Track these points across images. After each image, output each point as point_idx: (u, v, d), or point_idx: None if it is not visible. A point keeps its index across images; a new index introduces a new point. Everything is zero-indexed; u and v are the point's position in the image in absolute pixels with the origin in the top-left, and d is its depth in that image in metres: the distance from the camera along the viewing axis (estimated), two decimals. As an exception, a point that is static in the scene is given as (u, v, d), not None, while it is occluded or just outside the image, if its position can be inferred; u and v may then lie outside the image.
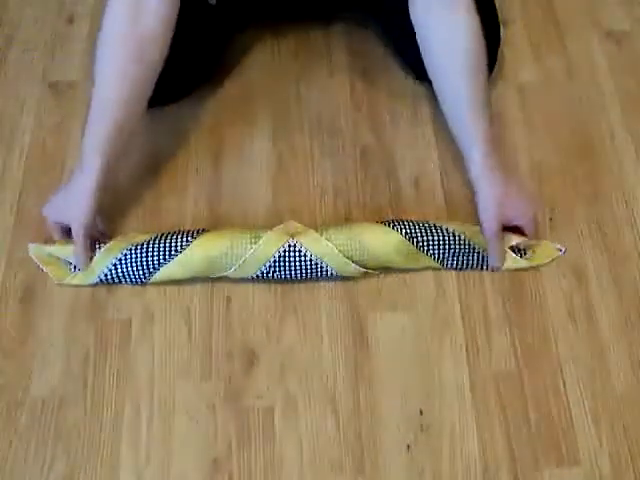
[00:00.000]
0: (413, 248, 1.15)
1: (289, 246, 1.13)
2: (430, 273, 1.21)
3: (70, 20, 1.51)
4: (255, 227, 1.18)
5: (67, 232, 1.16)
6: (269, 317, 1.17)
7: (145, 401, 1.10)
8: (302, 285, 1.20)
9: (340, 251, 1.12)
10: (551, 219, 1.26)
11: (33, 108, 1.38)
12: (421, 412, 1.09)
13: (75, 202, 1.12)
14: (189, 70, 1.30)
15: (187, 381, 1.12)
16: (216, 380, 1.12)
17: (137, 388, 1.11)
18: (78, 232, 1.12)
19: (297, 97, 1.39)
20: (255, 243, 1.12)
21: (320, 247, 1.13)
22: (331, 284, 1.20)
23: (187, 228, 1.22)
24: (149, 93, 1.14)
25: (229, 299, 1.18)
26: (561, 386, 1.12)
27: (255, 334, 1.16)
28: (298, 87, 1.40)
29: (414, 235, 1.15)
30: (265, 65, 1.43)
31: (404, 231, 1.15)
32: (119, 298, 1.18)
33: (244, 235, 1.14)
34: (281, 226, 1.15)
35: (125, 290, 1.19)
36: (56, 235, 1.18)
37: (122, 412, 1.09)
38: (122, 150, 1.14)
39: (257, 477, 1.05)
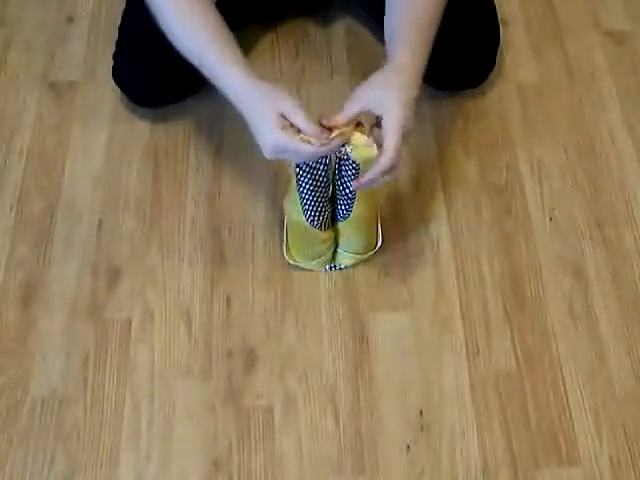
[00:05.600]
0: None
1: None
2: (430, 273, 1.21)
3: (70, 20, 1.51)
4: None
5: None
6: (269, 317, 1.17)
7: (145, 401, 1.10)
8: (302, 285, 1.20)
9: None
10: (551, 219, 1.27)
11: (33, 108, 1.38)
12: (421, 412, 1.09)
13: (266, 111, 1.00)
14: (190, 70, 1.29)
15: (187, 381, 1.12)
16: (216, 380, 1.12)
17: (137, 388, 1.11)
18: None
19: (297, 97, 1.39)
20: None
21: None
22: (331, 284, 1.20)
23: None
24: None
25: (229, 299, 1.19)
26: (561, 386, 1.12)
27: (255, 334, 1.16)
28: (298, 87, 1.40)
29: None
30: (265, 65, 1.43)
31: None
32: (119, 298, 1.18)
33: None
34: None
35: (125, 290, 1.19)
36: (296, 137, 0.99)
37: (122, 412, 1.09)
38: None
39: (257, 476, 1.05)
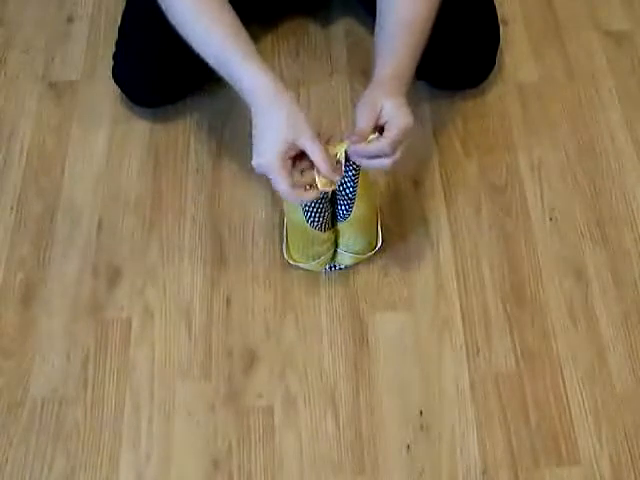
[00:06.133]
0: None
1: None
2: (430, 273, 1.21)
3: (70, 20, 1.51)
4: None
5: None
6: (269, 317, 1.17)
7: (145, 401, 1.10)
8: (302, 285, 1.20)
9: None
10: (551, 219, 1.27)
11: (33, 108, 1.39)
12: (421, 412, 1.09)
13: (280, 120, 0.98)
14: (190, 70, 1.30)
15: (187, 381, 1.12)
16: (216, 380, 1.12)
17: (137, 388, 1.11)
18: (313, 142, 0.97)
19: (297, 97, 1.39)
20: None
21: None
22: (331, 284, 1.20)
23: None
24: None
25: (229, 299, 1.19)
26: (561, 386, 1.12)
27: (255, 334, 1.16)
28: (298, 87, 1.40)
29: None
30: (265, 65, 1.43)
31: None
32: (119, 298, 1.18)
33: None
34: None
35: (125, 290, 1.19)
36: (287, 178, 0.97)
37: (122, 412, 1.09)
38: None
39: (257, 477, 1.05)
